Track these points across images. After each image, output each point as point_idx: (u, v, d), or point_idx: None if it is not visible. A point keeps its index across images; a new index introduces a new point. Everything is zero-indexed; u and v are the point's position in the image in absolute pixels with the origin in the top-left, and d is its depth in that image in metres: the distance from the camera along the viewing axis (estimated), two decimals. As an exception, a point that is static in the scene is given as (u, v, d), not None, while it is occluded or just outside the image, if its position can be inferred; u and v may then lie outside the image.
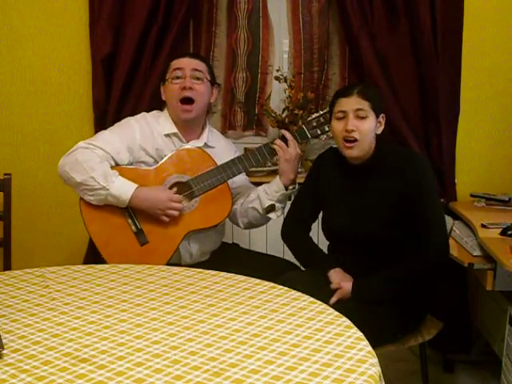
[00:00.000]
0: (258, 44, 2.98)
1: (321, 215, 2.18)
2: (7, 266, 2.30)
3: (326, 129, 2.21)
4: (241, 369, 1.14)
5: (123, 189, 2.10)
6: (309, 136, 2.22)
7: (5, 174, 2.36)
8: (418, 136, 2.68)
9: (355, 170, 2.04)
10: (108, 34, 2.67)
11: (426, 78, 2.64)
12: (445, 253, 1.99)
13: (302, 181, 2.48)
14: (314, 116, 2.25)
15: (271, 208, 2.22)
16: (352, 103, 1.95)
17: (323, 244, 2.19)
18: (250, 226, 2.36)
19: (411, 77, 2.66)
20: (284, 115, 2.88)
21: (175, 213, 2.14)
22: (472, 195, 2.68)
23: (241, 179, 2.34)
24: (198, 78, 2.22)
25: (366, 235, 1.99)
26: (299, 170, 2.87)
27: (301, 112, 2.81)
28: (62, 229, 2.85)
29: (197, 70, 2.22)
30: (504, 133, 2.77)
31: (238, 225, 2.37)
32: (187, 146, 2.23)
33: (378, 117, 1.98)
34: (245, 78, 3.01)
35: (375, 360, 1.19)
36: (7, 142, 2.86)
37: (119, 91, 2.67)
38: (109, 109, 2.68)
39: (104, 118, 2.66)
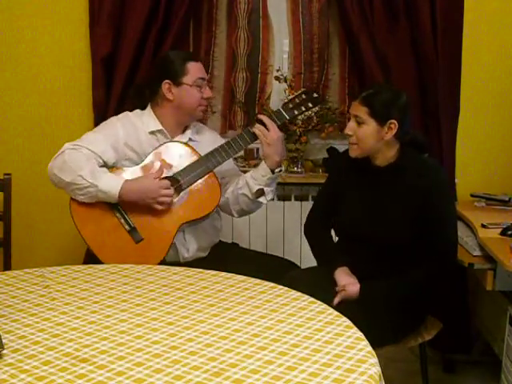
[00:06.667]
0: (258, 44, 2.98)
1: None
2: (7, 266, 2.30)
3: (303, 109, 2.28)
4: (241, 369, 1.14)
5: (112, 183, 2.11)
6: (286, 117, 2.26)
7: (5, 174, 2.36)
8: (418, 136, 2.68)
9: (376, 172, 2.05)
10: (108, 34, 2.66)
11: (426, 77, 2.64)
12: (451, 264, 2.02)
13: (302, 181, 2.48)
14: (290, 98, 2.32)
15: (260, 192, 2.25)
16: (354, 108, 2.01)
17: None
18: (243, 212, 2.37)
19: (411, 77, 2.66)
20: (284, 115, 2.88)
21: (167, 199, 2.14)
22: (472, 195, 2.68)
23: (229, 167, 2.35)
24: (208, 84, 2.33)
25: (376, 235, 2.00)
26: (299, 170, 2.90)
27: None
28: (62, 229, 2.84)
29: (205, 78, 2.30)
30: (504, 133, 2.77)
31: (231, 214, 2.37)
32: (170, 141, 2.24)
33: (384, 123, 1.96)
34: (245, 77, 3.01)
35: (375, 360, 1.19)
36: (7, 142, 2.85)
37: (119, 91, 2.67)
38: (109, 109, 2.68)
39: (104, 118, 2.64)
